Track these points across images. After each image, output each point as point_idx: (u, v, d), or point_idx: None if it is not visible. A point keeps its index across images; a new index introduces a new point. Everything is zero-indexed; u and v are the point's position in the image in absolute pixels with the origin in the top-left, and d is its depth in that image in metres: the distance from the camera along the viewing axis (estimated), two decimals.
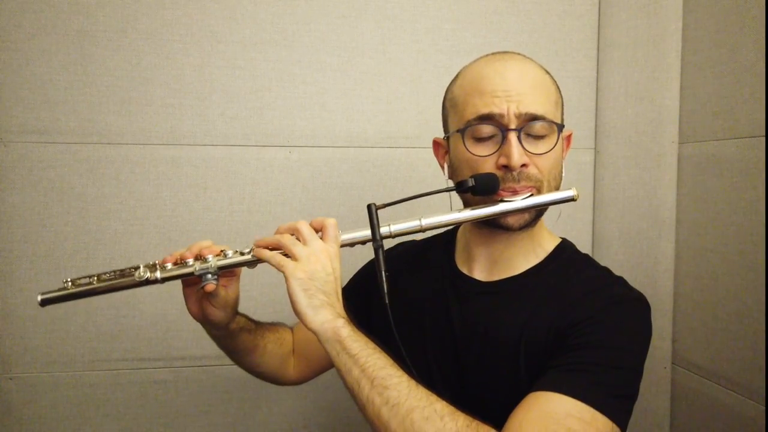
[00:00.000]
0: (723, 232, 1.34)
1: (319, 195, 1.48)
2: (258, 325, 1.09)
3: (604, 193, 1.58)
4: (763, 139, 1.23)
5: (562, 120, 0.96)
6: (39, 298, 0.90)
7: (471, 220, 0.92)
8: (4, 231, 1.37)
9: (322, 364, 1.15)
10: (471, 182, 0.88)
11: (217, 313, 0.96)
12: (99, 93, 1.38)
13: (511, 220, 0.90)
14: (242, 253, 0.91)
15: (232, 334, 1.02)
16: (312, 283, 0.82)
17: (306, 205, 1.48)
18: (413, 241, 1.14)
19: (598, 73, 1.57)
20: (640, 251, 1.53)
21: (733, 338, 1.31)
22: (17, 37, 1.34)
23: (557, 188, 0.93)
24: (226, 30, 1.42)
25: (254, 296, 1.45)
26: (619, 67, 1.53)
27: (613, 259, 1.55)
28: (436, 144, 1.03)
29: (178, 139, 1.42)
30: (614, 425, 0.78)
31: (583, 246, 1.08)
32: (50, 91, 1.36)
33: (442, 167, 1.02)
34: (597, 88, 1.58)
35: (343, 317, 0.81)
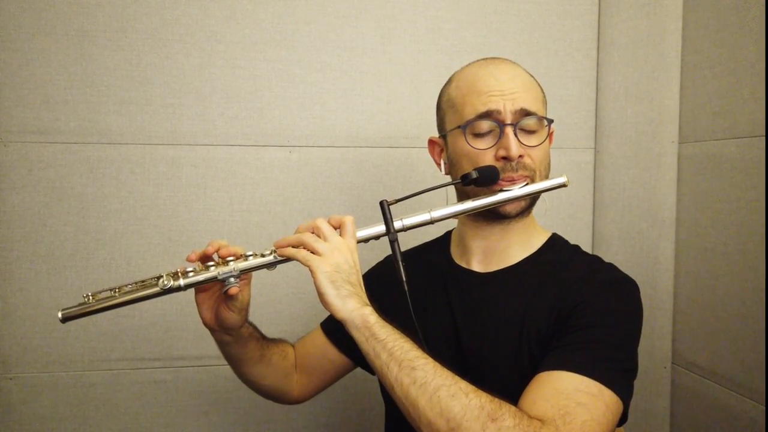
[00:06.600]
0: (723, 232, 1.34)
1: (319, 195, 1.48)
2: (264, 336, 1.11)
3: (604, 193, 1.58)
4: (763, 139, 1.23)
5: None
6: (59, 314, 0.90)
7: (475, 209, 0.97)
8: (4, 231, 1.37)
9: (324, 378, 1.18)
10: (474, 174, 0.94)
11: (233, 316, 0.99)
12: (99, 93, 1.38)
13: (509, 208, 0.97)
14: (263, 255, 0.93)
15: (243, 340, 1.04)
16: (338, 275, 0.86)
17: (306, 205, 1.48)
18: (408, 249, 1.18)
19: (598, 73, 1.57)
20: (640, 251, 1.53)
21: (733, 338, 1.31)
22: (17, 37, 1.34)
23: (547, 177, 1.01)
24: (226, 30, 1.42)
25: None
26: (619, 67, 1.53)
27: (613, 259, 1.53)
28: (431, 143, 1.09)
29: (178, 139, 1.42)
30: (618, 399, 0.83)
31: (583, 246, 1.10)
32: (50, 91, 1.36)
33: (438, 165, 1.08)
34: (597, 88, 1.58)
35: (369, 305, 0.86)
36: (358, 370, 1.17)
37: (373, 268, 1.20)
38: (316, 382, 1.18)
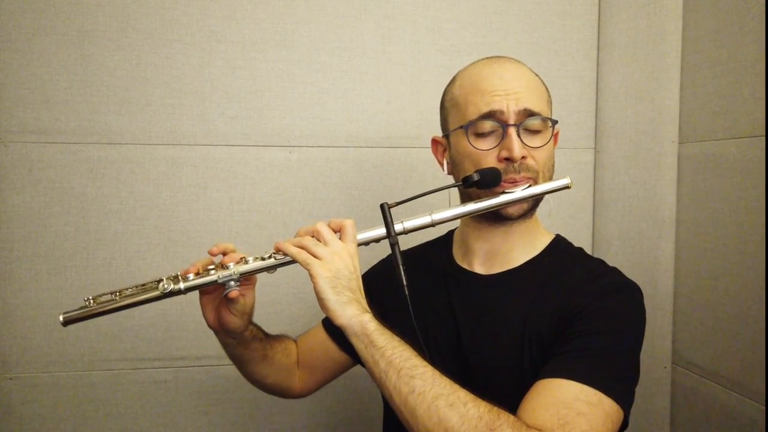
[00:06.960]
0: (723, 232, 1.34)
1: (319, 195, 1.48)
2: (267, 335, 1.11)
3: (604, 193, 1.58)
4: (763, 139, 1.23)
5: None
6: (61, 318, 0.90)
7: (477, 212, 0.96)
8: (4, 231, 1.37)
9: (325, 374, 1.18)
10: (476, 177, 0.93)
11: (234, 321, 0.98)
12: (99, 93, 1.38)
13: (511, 210, 0.96)
14: (263, 258, 0.92)
15: (246, 342, 1.04)
16: (338, 281, 0.86)
17: (306, 205, 1.48)
18: (409, 249, 1.18)
19: (598, 73, 1.57)
20: (640, 251, 1.53)
21: (733, 338, 1.31)
22: (17, 37, 1.34)
23: (551, 179, 1.00)
24: (226, 30, 1.42)
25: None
26: (619, 67, 1.53)
27: (613, 259, 1.55)
28: (434, 142, 1.08)
29: (178, 139, 1.42)
30: (619, 407, 0.82)
31: (583, 246, 1.09)
32: (50, 91, 1.36)
33: (441, 164, 1.06)
34: (597, 88, 1.58)
35: (369, 312, 0.85)
36: (359, 368, 1.17)
37: (373, 267, 1.20)
38: (318, 377, 1.18)
